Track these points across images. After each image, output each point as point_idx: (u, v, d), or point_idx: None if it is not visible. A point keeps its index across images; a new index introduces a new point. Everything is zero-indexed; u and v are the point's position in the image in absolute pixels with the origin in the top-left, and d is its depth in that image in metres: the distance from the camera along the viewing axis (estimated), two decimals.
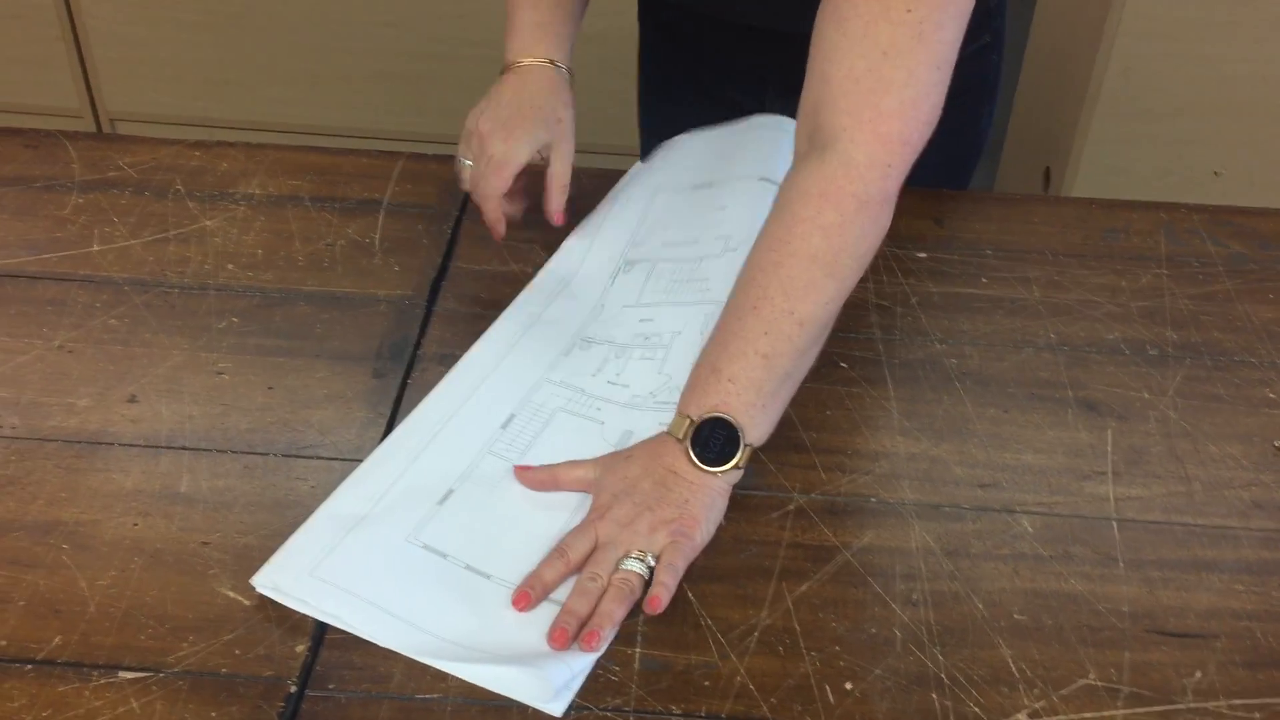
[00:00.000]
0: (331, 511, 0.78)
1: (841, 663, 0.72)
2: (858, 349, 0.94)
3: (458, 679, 0.70)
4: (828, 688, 0.71)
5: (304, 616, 0.73)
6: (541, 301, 0.97)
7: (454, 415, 0.86)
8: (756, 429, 0.80)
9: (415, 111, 2.05)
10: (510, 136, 0.96)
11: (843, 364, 0.93)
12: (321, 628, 0.73)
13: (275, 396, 0.88)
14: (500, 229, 0.98)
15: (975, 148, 1.18)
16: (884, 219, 0.81)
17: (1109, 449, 0.86)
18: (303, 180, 1.09)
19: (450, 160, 1.10)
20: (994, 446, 0.86)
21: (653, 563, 0.76)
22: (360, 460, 0.83)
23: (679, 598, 0.75)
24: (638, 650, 0.72)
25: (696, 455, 0.78)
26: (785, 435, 0.86)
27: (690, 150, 1.09)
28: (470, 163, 0.97)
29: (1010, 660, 0.72)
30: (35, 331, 0.92)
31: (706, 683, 0.71)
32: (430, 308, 0.96)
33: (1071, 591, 0.77)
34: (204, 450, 0.83)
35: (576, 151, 1.00)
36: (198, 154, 1.11)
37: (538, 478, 0.82)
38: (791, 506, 0.82)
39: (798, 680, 0.71)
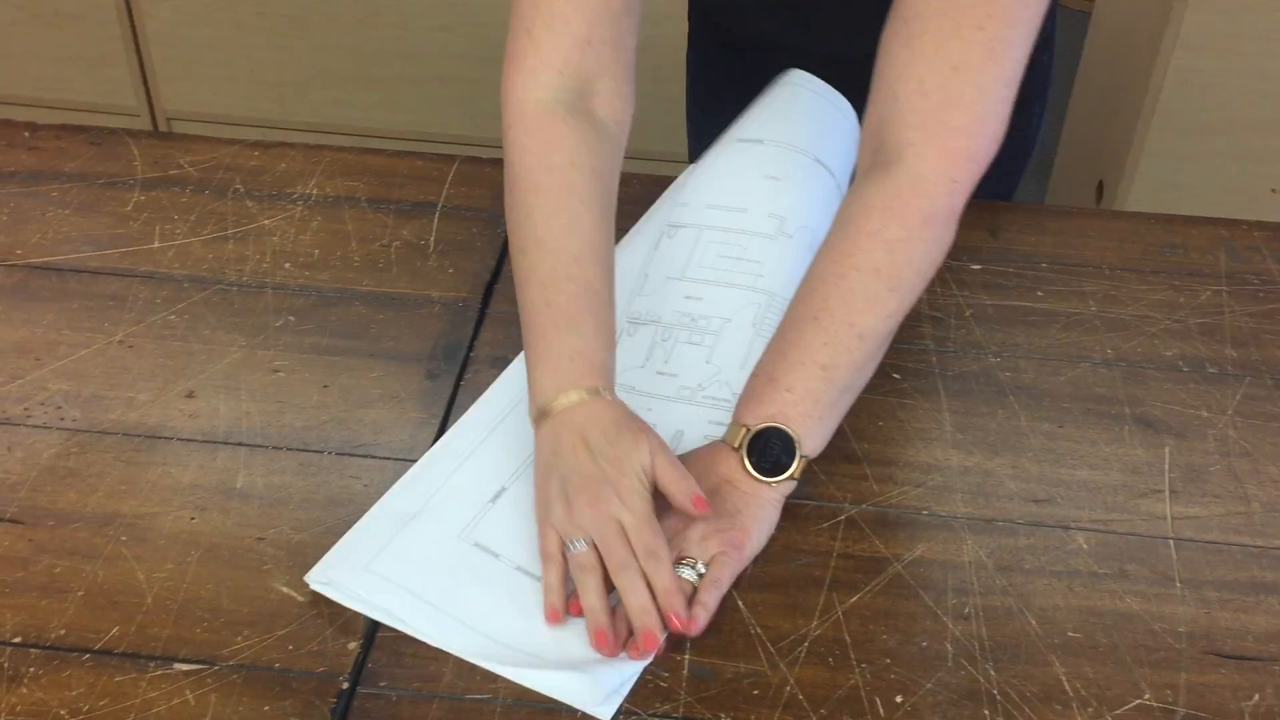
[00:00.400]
0: (386, 509, 0.79)
1: (892, 675, 0.72)
2: (911, 360, 0.94)
3: (507, 680, 0.70)
4: (878, 700, 0.70)
5: (356, 614, 0.73)
6: None
7: (507, 415, 0.86)
8: (812, 440, 0.79)
9: (468, 115, 2.07)
10: (632, 483, 0.76)
11: (895, 375, 0.92)
12: (373, 625, 0.73)
13: (330, 395, 0.88)
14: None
15: (1024, 149, 1.17)
16: (948, 235, 0.81)
17: (1166, 467, 0.85)
18: (359, 182, 1.10)
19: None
20: (1048, 462, 0.86)
21: (702, 570, 0.75)
22: (414, 460, 0.83)
23: (729, 605, 0.75)
24: (687, 657, 0.72)
25: (752, 465, 0.78)
26: (837, 445, 0.86)
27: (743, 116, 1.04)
28: (580, 544, 0.75)
29: (1064, 678, 0.72)
30: (97, 326, 0.93)
31: (755, 692, 0.71)
32: (483, 310, 0.97)
33: (1127, 610, 0.76)
34: (260, 447, 0.84)
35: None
36: (257, 154, 1.12)
37: None
38: (843, 517, 0.81)
39: (847, 692, 0.71)
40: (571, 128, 0.84)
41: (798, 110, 1.03)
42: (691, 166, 1.05)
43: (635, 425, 0.78)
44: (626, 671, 0.71)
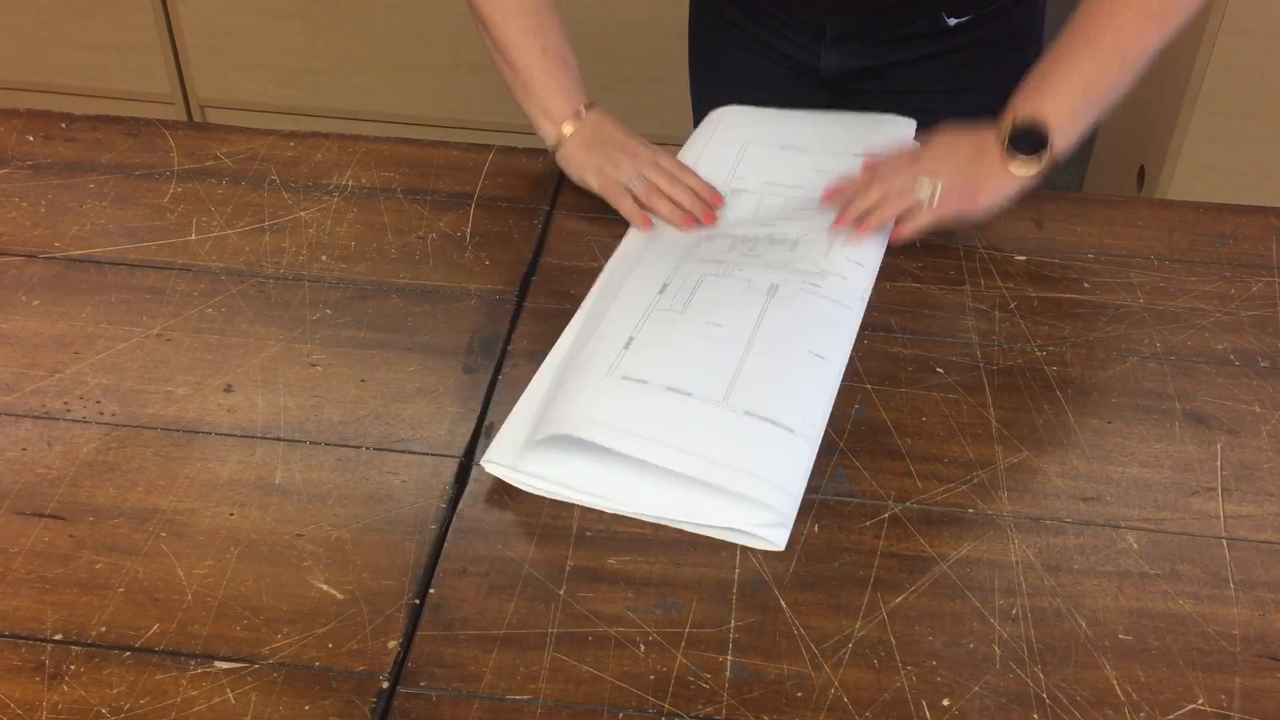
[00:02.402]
0: (531, 394, 0.86)
1: (938, 678, 0.70)
2: (954, 354, 0.92)
3: (547, 682, 0.70)
4: (924, 703, 0.69)
5: (396, 612, 0.73)
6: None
7: (614, 300, 0.92)
8: (1063, 139, 0.94)
9: (500, 101, 2.05)
10: (643, 139, 1.05)
11: (939, 369, 0.91)
12: (413, 624, 0.73)
13: (368, 389, 0.88)
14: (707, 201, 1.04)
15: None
16: None
17: (1218, 464, 0.84)
18: (395, 172, 1.09)
19: (540, 154, 1.10)
20: (1097, 458, 0.84)
21: (939, 188, 0.95)
22: (452, 455, 0.83)
23: (772, 605, 0.74)
24: (729, 658, 0.71)
25: (1012, 146, 0.95)
26: (879, 441, 0.85)
27: (772, 117, 1.13)
28: (636, 180, 1.02)
29: (1115, 682, 0.70)
30: (135, 319, 0.93)
31: (799, 694, 0.70)
32: (520, 303, 0.96)
33: (1179, 612, 0.74)
34: (298, 441, 0.84)
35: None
36: (292, 144, 1.12)
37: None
38: (886, 515, 0.80)
39: (893, 695, 0.70)
40: None
41: (844, 128, 1.11)
42: (720, 117, 1.14)
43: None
44: (793, 489, 0.79)
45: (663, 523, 0.79)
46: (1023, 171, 0.96)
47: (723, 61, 1.22)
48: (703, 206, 1.02)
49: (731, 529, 0.78)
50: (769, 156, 1.09)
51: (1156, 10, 0.92)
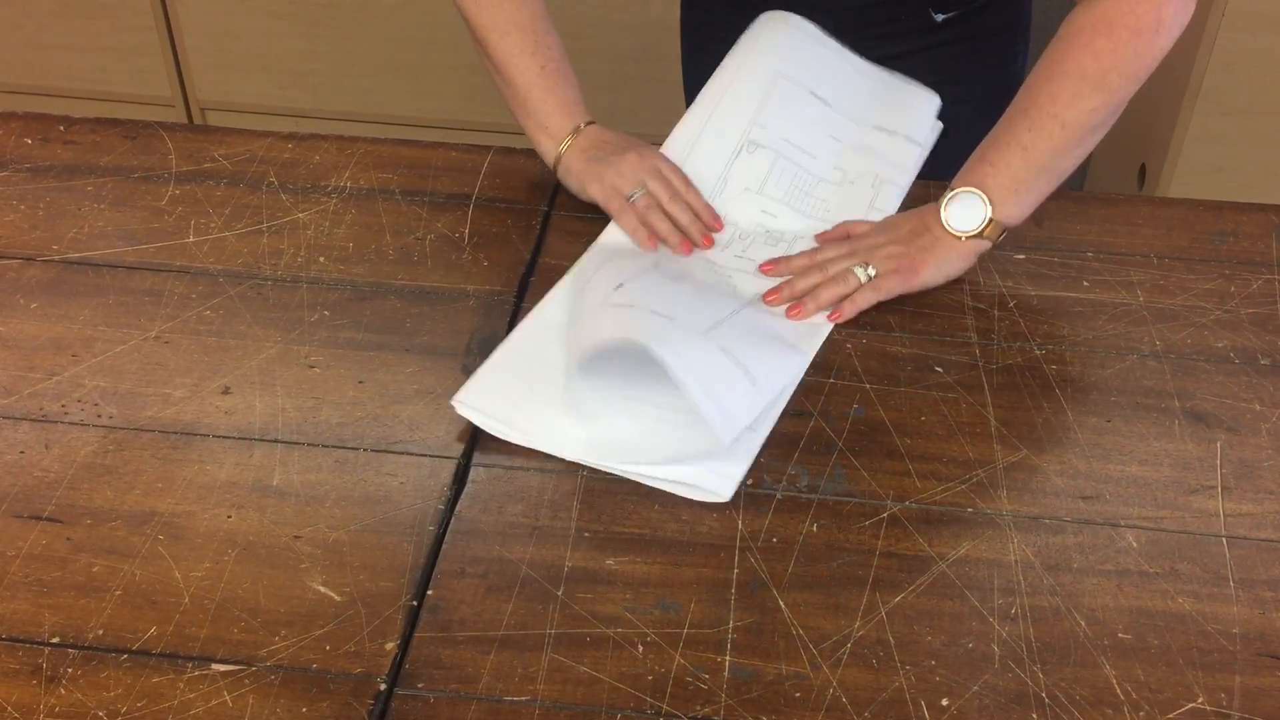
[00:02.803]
0: (511, 346, 0.89)
1: (937, 678, 0.70)
2: (953, 353, 0.92)
3: (545, 683, 0.69)
4: (923, 703, 0.69)
5: (393, 614, 0.73)
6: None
7: (584, 286, 0.93)
8: (1006, 208, 0.95)
9: (499, 102, 2.06)
10: (652, 149, 1.04)
11: (938, 368, 0.90)
12: (410, 626, 0.73)
13: (366, 391, 0.88)
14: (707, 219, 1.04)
15: (1014, 85, 1.20)
16: (1161, 42, 0.90)
17: (1218, 462, 0.83)
18: (393, 174, 1.09)
19: (538, 155, 1.10)
20: (1096, 457, 0.84)
21: (872, 273, 0.95)
22: (450, 457, 0.82)
23: (770, 605, 0.74)
24: (728, 658, 0.71)
25: (949, 220, 0.96)
26: (878, 441, 0.84)
27: (813, 43, 1.10)
28: (638, 192, 1.01)
29: (1114, 681, 0.70)
30: (133, 322, 0.93)
31: (798, 694, 0.69)
32: (519, 304, 0.96)
33: (1179, 611, 0.74)
34: (296, 443, 0.84)
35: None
36: (290, 146, 1.12)
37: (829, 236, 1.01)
38: (885, 514, 0.80)
39: (892, 695, 0.69)
40: None
41: (876, 89, 1.11)
42: (765, 28, 1.11)
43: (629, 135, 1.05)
44: (734, 426, 0.81)
45: (615, 472, 0.82)
46: (968, 245, 0.96)
47: (713, 56, 1.23)
48: (701, 229, 1.01)
49: (676, 481, 0.81)
50: (795, 102, 1.07)
51: (1094, 74, 0.90)
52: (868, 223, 1.01)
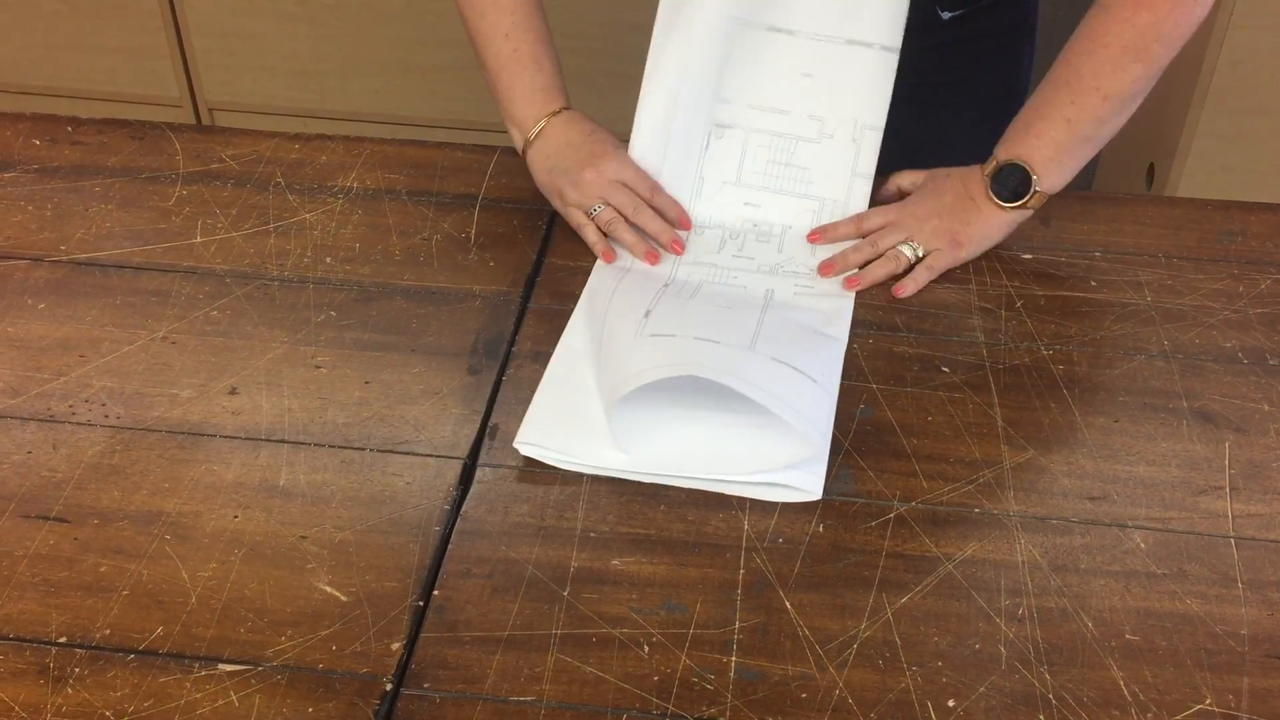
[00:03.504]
0: (552, 376, 0.88)
1: (944, 679, 0.70)
2: (960, 353, 0.92)
3: (550, 684, 0.69)
4: (930, 704, 0.69)
5: (399, 614, 0.73)
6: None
7: (606, 311, 0.92)
8: (1050, 178, 0.95)
9: None
10: (616, 154, 1.01)
11: (944, 368, 0.90)
12: (416, 626, 0.73)
13: (372, 391, 0.88)
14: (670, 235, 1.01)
15: (1020, 87, 1.21)
16: (1199, 10, 0.90)
17: (1226, 463, 0.83)
18: (399, 174, 1.09)
19: None
20: (1104, 457, 0.83)
21: (922, 254, 0.97)
22: (456, 457, 0.83)
23: (776, 605, 0.74)
24: (734, 659, 0.71)
25: (993, 191, 0.96)
26: (885, 441, 0.84)
27: None
28: (599, 207, 0.99)
29: (1122, 682, 0.70)
30: (140, 322, 0.93)
31: (804, 695, 0.69)
32: (525, 304, 0.96)
33: (1187, 612, 0.74)
34: (302, 444, 0.84)
35: (626, 138, 1.05)
36: (297, 146, 1.12)
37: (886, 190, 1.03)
38: (892, 515, 0.80)
39: (898, 695, 0.69)
40: None
41: None
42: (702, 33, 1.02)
43: (598, 127, 1.02)
44: (821, 430, 0.83)
45: (698, 485, 0.81)
46: (1011, 216, 0.97)
47: None
48: (670, 235, 0.99)
49: (767, 484, 0.80)
50: (755, 49, 1.00)
51: (1135, 45, 0.91)
52: (913, 174, 1.03)
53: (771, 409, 0.80)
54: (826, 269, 0.98)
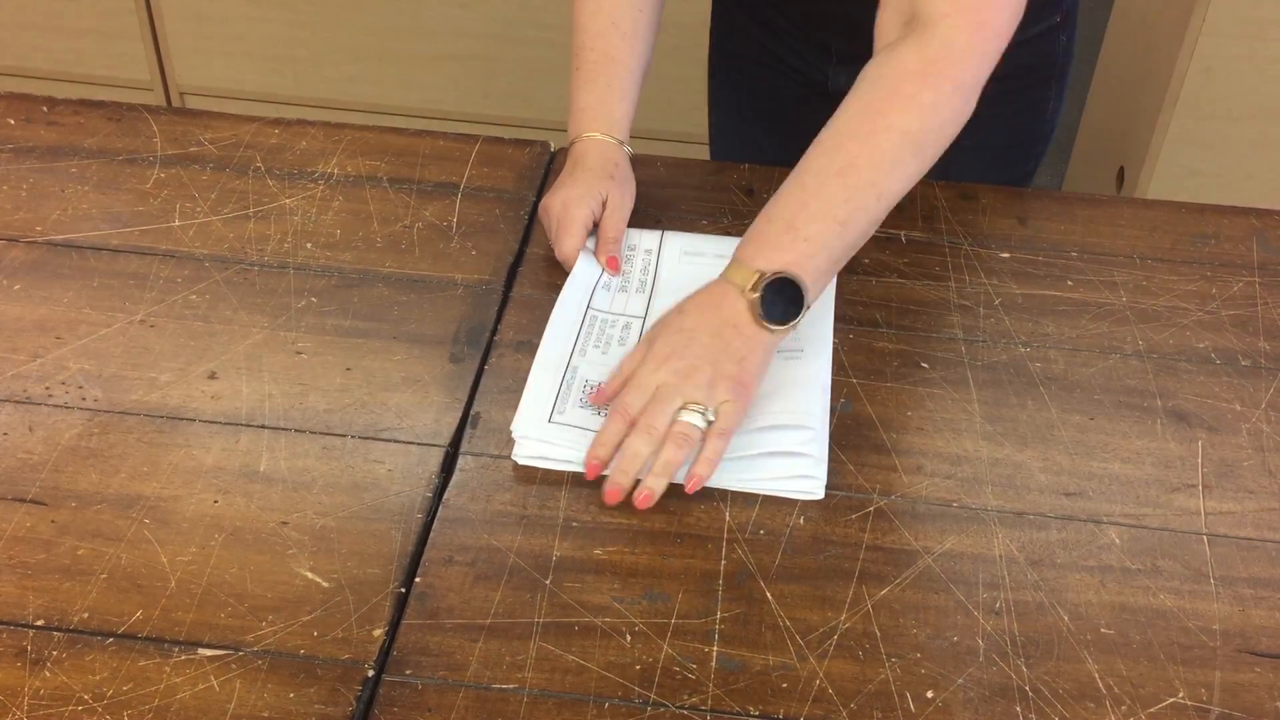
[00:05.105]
0: (540, 365, 0.87)
1: (923, 670, 0.71)
2: (939, 350, 0.92)
3: (533, 671, 0.70)
4: (909, 695, 0.69)
5: (381, 600, 0.73)
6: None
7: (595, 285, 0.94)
8: (815, 290, 0.82)
9: (482, 93, 2.05)
10: (568, 198, 0.96)
11: (924, 364, 0.91)
12: (399, 612, 0.73)
13: (353, 378, 0.87)
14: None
15: (1042, 134, 1.17)
16: (968, 107, 0.85)
17: (1199, 461, 0.84)
18: (381, 161, 1.09)
19: (526, 145, 1.10)
20: (1079, 454, 0.85)
21: (712, 417, 0.78)
22: (438, 445, 0.82)
23: (757, 596, 0.74)
24: (715, 649, 0.72)
25: (764, 314, 0.80)
26: (865, 435, 0.85)
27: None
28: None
29: (1097, 675, 0.71)
30: (118, 305, 0.92)
31: (784, 685, 0.70)
32: (507, 293, 0.96)
33: (1160, 607, 0.75)
34: (283, 429, 0.83)
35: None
36: (277, 132, 1.11)
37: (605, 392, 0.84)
38: (871, 508, 0.80)
39: (878, 686, 0.70)
40: None
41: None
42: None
43: (615, 160, 0.97)
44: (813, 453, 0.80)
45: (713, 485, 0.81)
46: (780, 337, 0.82)
47: (736, 73, 1.22)
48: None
49: (773, 479, 0.81)
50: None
51: (917, 135, 0.81)
52: (653, 334, 0.82)
53: (772, 431, 0.82)
54: (613, 496, 0.78)
